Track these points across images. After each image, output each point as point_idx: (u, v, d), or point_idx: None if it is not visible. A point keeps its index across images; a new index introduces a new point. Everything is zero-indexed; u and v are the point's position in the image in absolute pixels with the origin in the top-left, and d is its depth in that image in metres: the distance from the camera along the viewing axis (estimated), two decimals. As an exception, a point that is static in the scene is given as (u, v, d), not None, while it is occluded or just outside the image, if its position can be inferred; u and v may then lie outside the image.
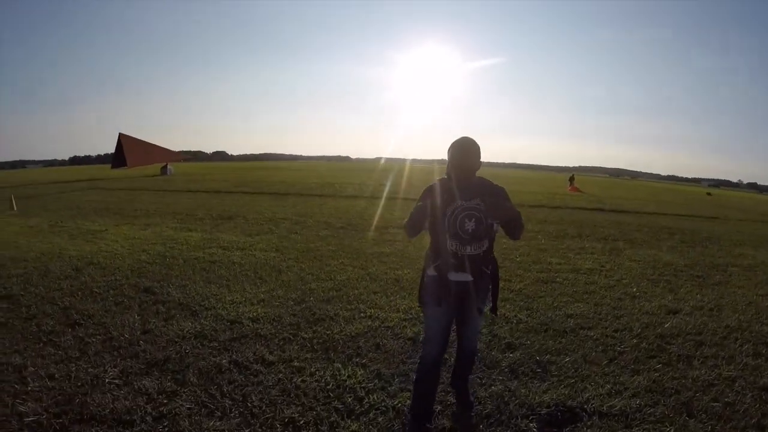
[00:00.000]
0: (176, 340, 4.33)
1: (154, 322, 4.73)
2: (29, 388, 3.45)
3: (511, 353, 4.27)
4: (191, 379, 3.63)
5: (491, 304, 3.25)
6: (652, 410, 3.46)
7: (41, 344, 4.21)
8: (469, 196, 2.94)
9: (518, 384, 3.75)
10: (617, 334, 4.85)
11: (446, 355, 3.55)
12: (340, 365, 3.92)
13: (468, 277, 3.02)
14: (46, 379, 3.58)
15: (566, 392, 3.65)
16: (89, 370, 3.74)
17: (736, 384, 3.94)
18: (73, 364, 3.82)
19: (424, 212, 2.89)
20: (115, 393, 3.42)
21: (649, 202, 27.48)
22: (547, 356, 4.24)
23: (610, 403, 3.50)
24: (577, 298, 6.04)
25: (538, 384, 3.77)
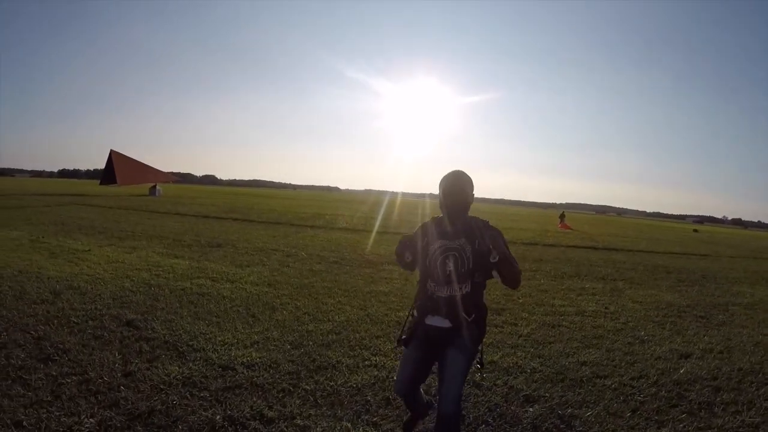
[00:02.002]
0: (162, 386, 3.83)
1: (137, 363, 4.23)
2: (-7, 439, 2.98)
3: (531, 407, 3.97)
4: (180, 438, 3.16)
5: (478, 357, 3.05)
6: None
7: (10, 381, 3.74)
8: (455, 236, 2.83)
9: (544, 443, 3.47)
10: (635, 383, 4.66)
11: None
12: (349, 424, 3.48)
13: (444, 323, 2.85)
14: (13, 428, 3.10)
15: (595, 451, 3.39)
16: (62, 419, 3.25)
17: (760, 431, 3.87)
18: (45, 410, 3.34)
19: (408, 246, 2.94)
20: (92, 453, 2.94)
21: (639, 240, 27.61)
22: (569, 409, 3.98)
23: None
24: (588, 344, 5.81)
25: (564, 442, 3.50)
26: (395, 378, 3.13)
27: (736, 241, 40.82)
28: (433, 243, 2.85)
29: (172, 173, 55.09)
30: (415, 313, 2.98)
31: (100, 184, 42.50)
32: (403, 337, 3.00)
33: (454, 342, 2.81)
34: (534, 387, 4.37)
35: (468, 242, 2.77)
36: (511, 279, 2.74)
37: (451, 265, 2.77)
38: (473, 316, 2.83)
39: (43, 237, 11.16)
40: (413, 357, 2.96)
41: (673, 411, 4.08)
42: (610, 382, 4.60)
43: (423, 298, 2.91)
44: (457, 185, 2.78)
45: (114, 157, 40.11)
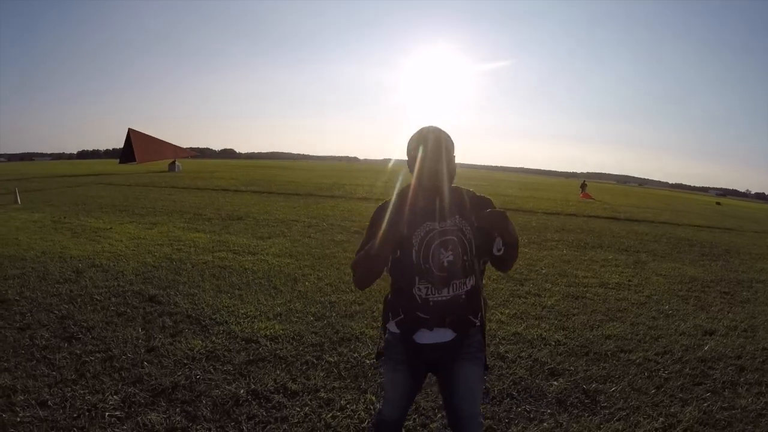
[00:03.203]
0: (185, 361, 3.86)
1: (160, 339, 4.26)
2: (18, 419, 3.00)
3: (556, 381, 3.94)
4: (204, 412, 3.16)
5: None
6: (708, 447, 3.25)
7: (34, 361, 3.77)
8: (447, 213, 2.04)
9: (569, 418, 3.42)
10: (659, 358, 4.59)
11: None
12: (373, 397, 3.47)
13: (447, 335, 2.08)
14: (38, 408, 3.12)
15: (620, 427, 3.35)
16: (87, 397, 3.28)
17: (784, 414, 3.77)
18: (69, 389, 3.37)
19: (389, 234, 1.89)
20: (116, 430, 2.95)
21: (662, 211, 27.26)
22: (594, 384, 3.92)
23: (667, 440, 3.25)
24: (612, 317, 5.74)
25: (589, 417, 3.45)
26: (382, 408, 2.35)
27: (760, 215, 40.12)
28: (417, 228, 2.03)
29: (190, 148, 55.42)
30: (396, 329, 2.16)
31: (120, 162, 42.87)
32: (383, 357, 2.26)
33: (460, 352, 2.12)
34: (558, 360, 4.33)
35: (464, 219, 2.05)
36: (506, 263, 2.13)
37: (450, 255, 2.01)
38: (480, 315, 2.17)
39: (64, 217, 11.27)
40: (404, 383, 2.23)
41: (697, 389, 4.02)
42: (634, 357, 4.55)
43: (410, 308, 2.08)
44: (442, 146, 1.99)
45: (132, 135, 40.35)
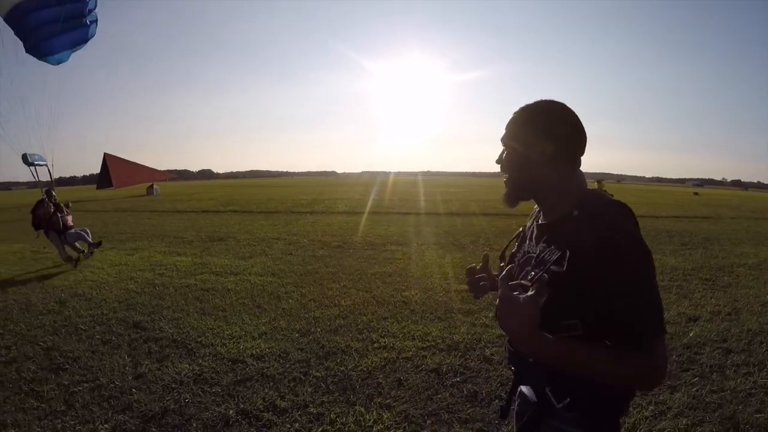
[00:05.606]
0: (173, 386, 3.84)
1: (147, 365, 4.24)
2: (9, 454, 2.97)
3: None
4: (195, 436, 3.16)
5: None
6: (700, 430, 3.27)
7: (22, 395, 3.75)
8: (538, 233, 1.45)
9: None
10: (646, 349, 4.59)
11: None
12: (362, 408, 3.48)
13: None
14: (28, 442, 3.09)
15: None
16: (77, 428, 3.25)
17: (772, 391, 3.84)
18: (59, 420, 3.35)
19: None
20: (108, 458, 2.93)
21: (640, 205, 27.52)
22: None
23: (659, 427, 3.29)
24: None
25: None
26: None
27: (736, 202, 40.77)
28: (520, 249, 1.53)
29: (167, 171, 54.96)
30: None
31: (97, 188, 42.37)
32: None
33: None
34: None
35: (549, 248, 1.35)
36: None
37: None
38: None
39: (45, 248, 11.11)
40: None
41: (686, 375, 4.09)
42: (620, 350, 4.60)
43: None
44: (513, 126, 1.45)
45: (108, 160, 39.90)
